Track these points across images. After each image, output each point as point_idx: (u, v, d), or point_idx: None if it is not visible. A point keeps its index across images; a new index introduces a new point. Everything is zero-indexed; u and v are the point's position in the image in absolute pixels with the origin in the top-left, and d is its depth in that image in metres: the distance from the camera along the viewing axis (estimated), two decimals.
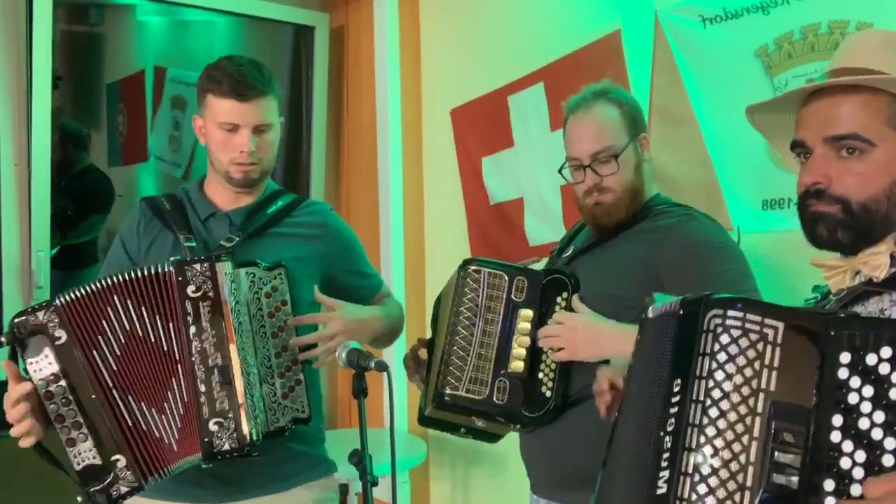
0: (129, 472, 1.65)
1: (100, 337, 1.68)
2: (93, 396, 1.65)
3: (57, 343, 1.65)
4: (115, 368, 1.68)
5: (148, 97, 4.59)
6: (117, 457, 1.65)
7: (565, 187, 2.83)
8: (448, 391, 1.77)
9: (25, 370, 1.65)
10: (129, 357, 1.69)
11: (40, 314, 1.66)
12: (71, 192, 3.94)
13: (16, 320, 1.66)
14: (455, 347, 1.79)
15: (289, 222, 1.95)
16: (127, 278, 1.70)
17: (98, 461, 1.64)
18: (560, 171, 1.94)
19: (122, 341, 1.69)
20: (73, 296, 1.68)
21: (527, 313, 1.80)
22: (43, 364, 1.65)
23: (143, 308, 1.70)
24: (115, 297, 1.70)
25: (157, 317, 1.70)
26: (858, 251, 1.20)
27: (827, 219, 1.19)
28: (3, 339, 1.67)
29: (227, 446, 1.66)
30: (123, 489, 1.64)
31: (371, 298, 2.10)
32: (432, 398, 1.81)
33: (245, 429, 1.67)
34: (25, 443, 1.63)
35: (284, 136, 2.00)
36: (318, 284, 1.97)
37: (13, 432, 1.63)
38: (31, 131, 2.93)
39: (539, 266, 1.95)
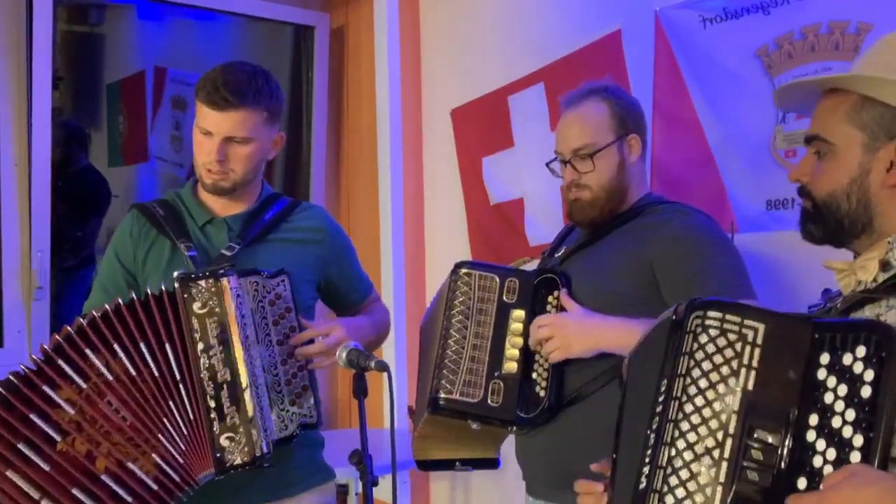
0: None
1: (21, 444, 1.57)
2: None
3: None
4: (54, 458, 1.58)
5: (148, 97, 4.59)
6: None
7: None
8: (442, 395, 1.76)
9: None
10: (90, 418, 1.62)
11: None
12: (68, 193, 3.94)
13: None
14: (448, 351, 1.78)
15: (286, 227, 1.94)
16: (103, 312, 1.66)
17: None
18: (548, 165, 1.95)
19: (75, 409, 1.61)
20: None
21: (519, 314, 1.80)
22: None
23: (115, 345, 1.65)
24: (61, 361, 1.62)
25: (143, 344, 1.66)
26: (843, 245, 1.24)
27: (804, 213, 1.27)
28: None
29: (239, 460, 1.66)
30: None
31: (363, 302, 2.11)
32: (427, 403, 1.80)
33: (256, 441, 1.67)
34: None
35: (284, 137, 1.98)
36: (316, 288, 1.98)
37: None
38: (31, 131, 2.93)
39: (532, 267, 1.95)
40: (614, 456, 1.27)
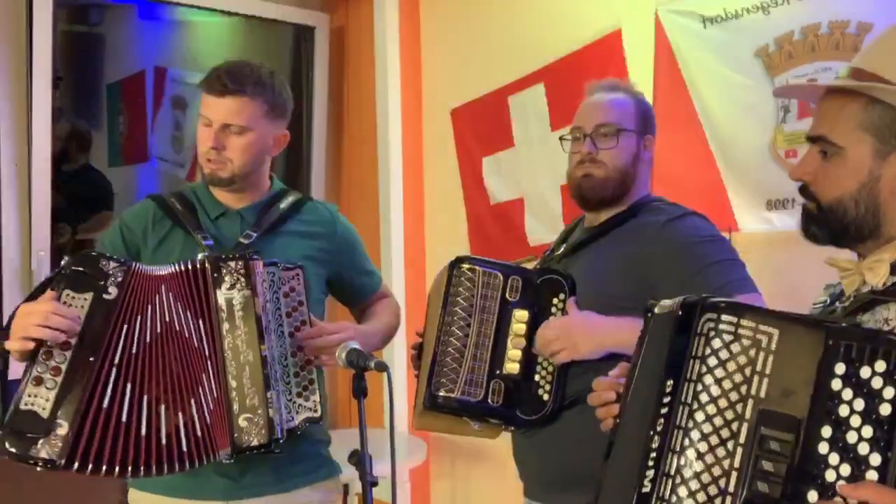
0: (58, 444, 1.55)
1: (139, 317, 1.67)
2: (91, 359, 1.60)
3: (104, 296, 1.63)
4: (133, 352, 1.65)
5: (148, 97, 4.60)
6: (62, 422, 1.56)
7: (565, 187, 2.82)
8: (442, 393, 1.76)
9: (59, 297, 1.61)
10: (158, 349, 1.67)
11: (112, 263, 1.66)
12: (70, 190, 3.94)
13: (88, 252, 1.66)
14: (449, 348, 1.78)
15: (299, 219, 1.96)
16: (174, 270, 1.71)
17: (44, 414, 1.55)
18: (561, 139, 1.95)
19: (158, 331, 1.68)
20: (146, 270, 1.69)
21: (522, 314, 1.79)
22: (76, 303, 1.62)
23: (179, 303, 1.70)
24: (163, 287, 1.70)
25: (189, 312, 1.71)
26: (846, 247, 1.22)
27: (806, 214, 1.23)
28: (64, 261, 1.64)
29: (255, 441, 1.68)
30: (43, 454, 1.55)
31: (371, 296, 2.12)
32: (424, 399, 1.80)
33: (273, 424, 1.68)
34: (21, 345, 1.57)
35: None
36: (326, 282, 1.99)
37: (30, 331, 1.55)
38: (31, 131, 2.93)
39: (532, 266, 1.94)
40: (611, 442, 1.25)
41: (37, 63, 2.92)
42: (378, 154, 3.66)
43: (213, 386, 1.69)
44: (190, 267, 1.72)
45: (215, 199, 1.94)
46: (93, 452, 1.58)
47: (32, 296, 1.66)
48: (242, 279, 1.71)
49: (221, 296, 1.71)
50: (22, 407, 1.55)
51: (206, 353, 1.70)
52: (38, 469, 1.56)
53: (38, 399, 1.56)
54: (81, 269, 1.64)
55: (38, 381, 1.57)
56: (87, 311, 1.62)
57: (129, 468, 1.62)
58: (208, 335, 1.70)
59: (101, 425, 1.60)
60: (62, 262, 1.65)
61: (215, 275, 1.71)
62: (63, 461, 1.56)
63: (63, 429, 1.56)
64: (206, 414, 1.68)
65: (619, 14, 2.73)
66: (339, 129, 3.92)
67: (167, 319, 1.69)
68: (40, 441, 1.55)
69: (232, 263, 1.72)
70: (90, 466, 1.58)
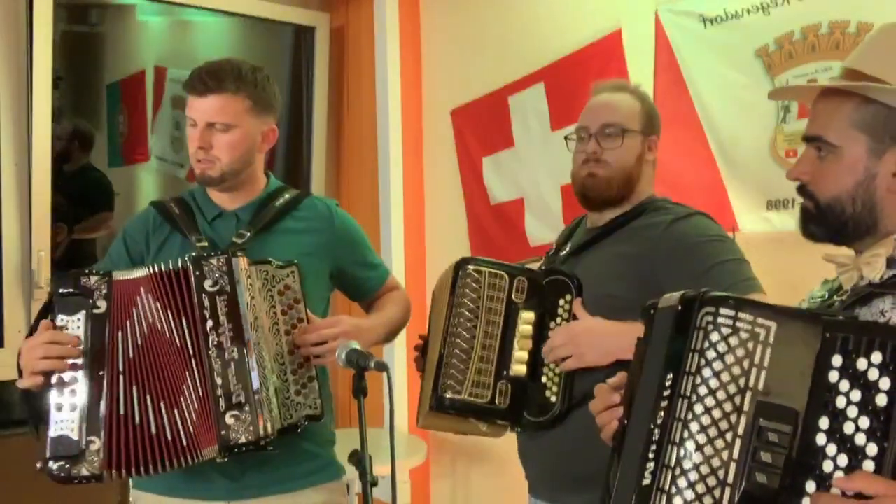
0: (96, 458, 1.63)
1: (128, 322, 1.70)
2: (100, 373, 1.66)
3: (94, 311, 1.68)
4: (130, 356, 1.69)
5: (148, 97, 4.59)
6: (93, 439, 1.64)
7: (565, 187, 2.82)
8: (449, 395, 1.75)
9: (54, 324, 1.67)
10: (147, 349, 1.70)
11: (94, 278, 1.70)
12: (71, 190, 3.94)
13: (68, 273, 1.70)
14: (456, 350, 1.77)
15: (296, 216, 1.96)
16: (150, 273, 1.72)
17: (74, 436, 1.63)
18: (566, 139, 1.96)
19: (146, 332, 1.71)
20: (124, 276, 1.72)
21: (528, 316, 1.78)
22: (72, 325, 1.67)
23: (158, 303, 1.71)
24: (142, 289, 1.72)
25: (170, 312, 1.71)
26: (845, 244, 1.24)
27: (804, 213, 1.26)
28: (50, 288, 1.70)
29: (243, 439, 1.67)
30: (84, 472, 1.63)
31: (379, 289, 2.11)
32: (430, 401, 1.79)
33: (261, 421, 1.68)
34: (30, 382, 1.65)
35: (284, 136, 1.98)
36: (329, 278, 1.99)
37: (37, 366, 1.63)
38: (31, 131, 2.93)
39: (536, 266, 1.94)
40: (618, 441, 1.25)
41: (37, 63, 2.93)
42: (378, 154, 3.66)
43: (198, 384, 1.69)
44: (172, 267, 1.72)
45: (211, 201, 1.95)
46: (124, 458, 1.66)
47: (32, 330, 1.71)
48: (225, 276, 1.71)
49: (204, 294, 1.71)
50: (53, 434, 1.64)
51: (190, 351, 1.70)
52: (84, 484, 1.65)
53: (65, 423, 1.64)
54: (68, 290, 1.69)
55: (60, 408, 1.64)
56: (83, 330, 1.67)
57: (151, 466, 1.67)
58: (191, 333, 1.70)
59: (125, 432, 1.66)
60: (49, 291, 1.72)
61: (198, 273, 1.71)
62: (104, 473, 1.64)
63: (95, 444, 1.64)
64: (192, 412, 1.69)
65: (619, 14, 2.73)
66: (339, 129, 3.92)
67: (150, 321, 1.71)
68: (79, 461, 1.63)
69: (214, 261, 1.72)
70: (124, 472, 1.66)
